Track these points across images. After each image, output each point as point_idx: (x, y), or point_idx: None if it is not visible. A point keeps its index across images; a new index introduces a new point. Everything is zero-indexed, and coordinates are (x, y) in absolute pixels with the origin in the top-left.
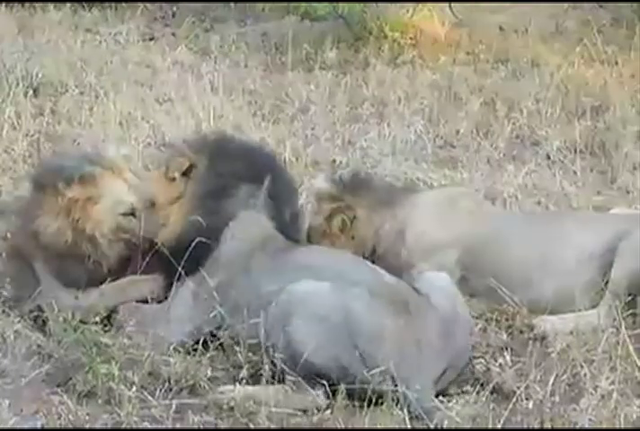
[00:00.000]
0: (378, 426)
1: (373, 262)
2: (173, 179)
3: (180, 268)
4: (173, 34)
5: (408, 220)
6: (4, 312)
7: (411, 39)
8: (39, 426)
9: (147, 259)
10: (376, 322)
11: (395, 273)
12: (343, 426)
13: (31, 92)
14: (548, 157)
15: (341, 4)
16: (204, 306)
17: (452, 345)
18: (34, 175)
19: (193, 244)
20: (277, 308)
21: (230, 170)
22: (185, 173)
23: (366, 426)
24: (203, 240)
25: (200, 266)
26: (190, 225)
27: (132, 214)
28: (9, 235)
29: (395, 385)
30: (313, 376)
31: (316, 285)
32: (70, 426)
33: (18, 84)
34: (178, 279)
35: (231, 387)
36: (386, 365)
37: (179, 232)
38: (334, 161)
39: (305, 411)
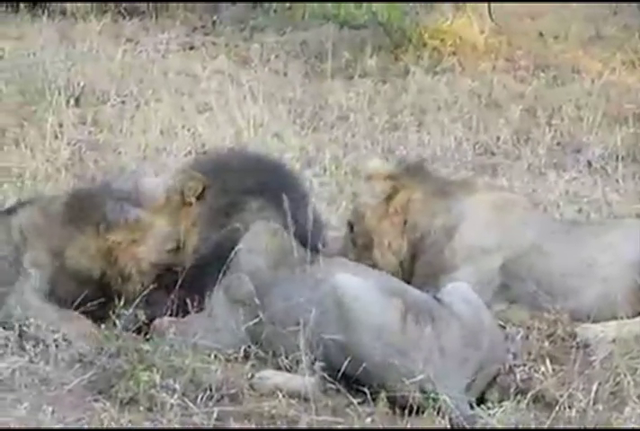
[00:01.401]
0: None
1: (414, 256)
2: (190, 203)
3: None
4: (214, 43)
5: (460, 219)
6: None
7: (450, 46)
8: None
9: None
10: (404, 331)
11: (434, 270)
12: None
13: (72, 101)
14: (590, 164)
15: (380, 12)
16: (240, 316)
17: (479, 354)
18: (72, 206)
19: (211, 261)
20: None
21: (237, 186)
22: (199, 197)
23: None
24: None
25: (221, 281)
26: (204, 243)
27: (178, 248)
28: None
29: (431, 394)
30: (353, 383)
31: (360, 296)
32: None
33: (60, 94)
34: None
35: (271, 372)
36: (418, 375)
37: (196, 251)
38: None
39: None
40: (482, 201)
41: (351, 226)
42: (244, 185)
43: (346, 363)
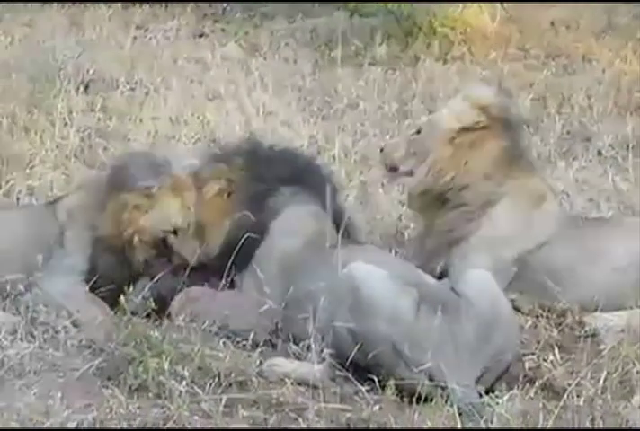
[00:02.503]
0: (428, 423)
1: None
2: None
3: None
4: (223, 30)
5: (501, 198)
6: (54, 304)
7: (461, 34)
8: (90, 419)
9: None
10: (417, 320)
11: (451, 239)
12: (393, 422)
13: (82, 88)
14: (600, 153)
15: None
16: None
17: (490, 346)
18: (109, 174)
19: (242, 240)
20: (326, 302)
21: (269, 174)
22: (229, 193)
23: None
24: (252, 235)
25: (252, 261)
26: (235, 224)
27: (174, 232)
28: None
29: (440, 383)
30: (362, 371)
31: (373, 284)
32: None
33: (69, 80)
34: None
35: (281, 359)
36: (427, 363)
37: (225, 234)
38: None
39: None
40: (524, 188)
41: (418, 130)
42: (276, 173)
43: (355, 350)
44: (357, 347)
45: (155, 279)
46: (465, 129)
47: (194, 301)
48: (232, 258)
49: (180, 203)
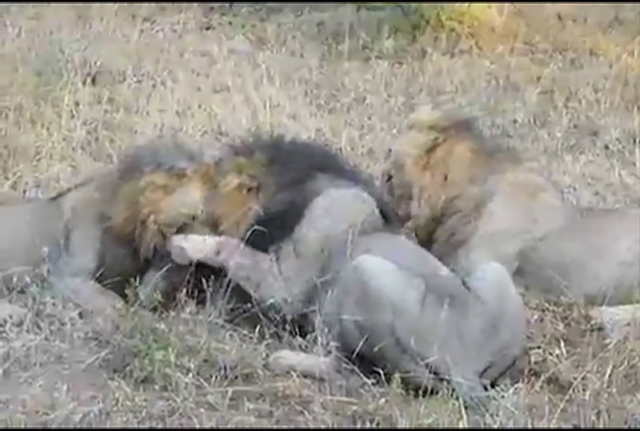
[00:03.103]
0: (433, 416)
1: (445, 214)
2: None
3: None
4: (230, 23)
5: (492, 195)
6: (61, 296)
7: (468, 28)
8: (96, 411)
9: None
10: (421, 313)
11: (455, 240)
12: (398, 415)
13: (89, 80)
14: (607, 147)
15: None
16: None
17: (496, 341)
18: (126, 161)
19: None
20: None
21: (300, 164)
22: (249, 188)
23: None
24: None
25: (291, 238)
26: (275, 201)
27: (192, 218)
28: None
29: (445, 376)
30: (368, 364)
31: (379, 276)
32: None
33: (76, 73)
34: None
35: (287, 352)
36: (431, 357)
37: (244, 228)
38: (390, 150)
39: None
40: (515, 181)
41: (388, 176)
42: (309, 163)
43: (362, 343)
44: (363, 340)
45: (163, 270)
46: (428, 151)
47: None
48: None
49: (206, 191)
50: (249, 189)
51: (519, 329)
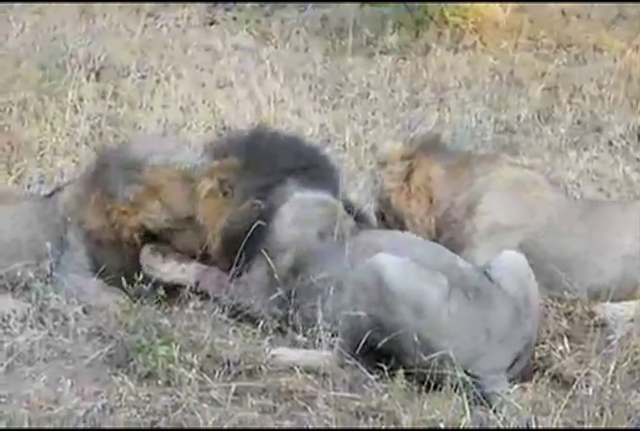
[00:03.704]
0: (437, 412)
1: (440, 230)
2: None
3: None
4: (234, 18)
5: (480, 196)
6: (65, 293)
7: (472, 23)
8: (99, 406)
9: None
10: (445, 309)
11: (454, 246)
12: (402, 410)
13: (92, 75)
14: (610, 143)
15: None
16: (274, 285)
17: (522, 333)
18: (91, 172)
19: (252, 228)
20: (340, 289)
21: (272, 167)
22: (225, 193)
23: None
24: (261, 223)
25: (263, 248)
26: (237, 217)
27: (167, 228)
28: None
29: (454, 370)
30: (371, 359)
31: (400, 277)
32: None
33: (80, 68)
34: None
35: (286, 349)
36: (445, 351)
37: (223, 230)
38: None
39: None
40: (503, 178)
41: (382, 215)
42: (281, 165)
43: (381, 342)
44: (384, 340)
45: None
46: (406, 180)
47: (209, 283)
48: (241, 247)
49: (160, 202)
50: (224, 193)
51: (537, 318)
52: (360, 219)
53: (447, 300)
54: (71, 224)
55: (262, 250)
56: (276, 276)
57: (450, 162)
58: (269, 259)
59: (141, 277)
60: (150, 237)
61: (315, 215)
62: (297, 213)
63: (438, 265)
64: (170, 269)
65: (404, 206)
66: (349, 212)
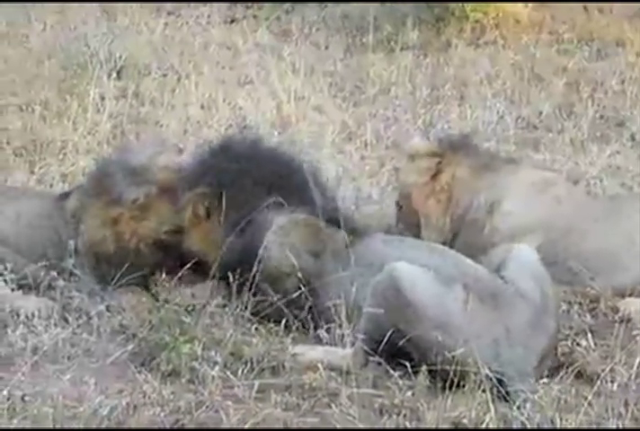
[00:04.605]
0: (460, 409)
1: (458, 229)
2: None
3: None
4: (255, 16)
5: (501, 197)
6: (89, 293)
7: (493, 19)
8: (123, 404)
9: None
10: (465, 317)
11: (474, 247)
12: (425, 408)
13: (114, 74)
14: (633, 138)
15: None
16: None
17: (544, 334)
18: (93, 178)
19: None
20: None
21: (247, 188)
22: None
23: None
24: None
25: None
26: (228, 247)
27: (178, 231)
28: None
29: (477, 368)
30: (394, 356)
31: (420, 288)
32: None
33: (102, 67)
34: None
35: (306, 347)
36: (466, 349)
37: (220, 254)
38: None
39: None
40: (524, 178)
41: (400, 206)
42: (257, 183)
43: (387, 335)
44: (404, 340)
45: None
46: (433, 177)
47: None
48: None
49: (170, 205)
50: (208, 216)
51: (557, 313)
52: (351, 227)
53: (465, 308)
54: (78, 231)
55: (260, 282)
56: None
57: (476, 163)
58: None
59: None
60: (159, 246)
61: (301, 237)
62: (283, 239)
63: (454, 272)
64: (181, 296)
65: (421, 204)
66: (336, 223)
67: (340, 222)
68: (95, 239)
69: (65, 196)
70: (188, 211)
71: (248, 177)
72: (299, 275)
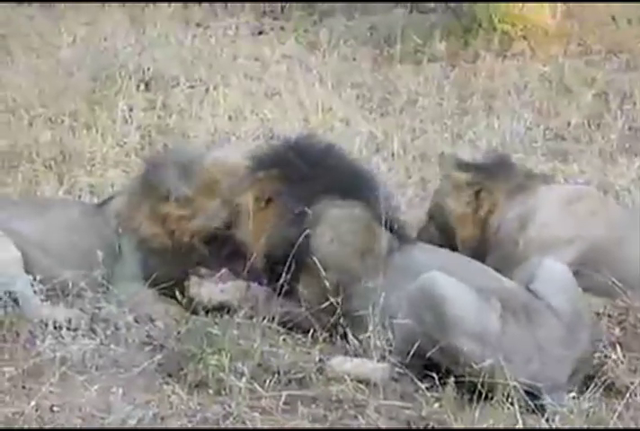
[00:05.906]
0: (489, 421)
1: (488, 247)
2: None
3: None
4: (282, 28)
5: (536, 209)
6: (117, 302)
7: (521, 30)
8: (151, 415)
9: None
10: (501, 333)
11: (508, 262)
12: (453, 419)
13: (142, 85)
14: None
15: None
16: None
17: (576, 348)
18: (142, 176)
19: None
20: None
21: (309, 184)
22: (267, 203)
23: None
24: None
25: (302, 270)
26: (280, 238)
27: (227, 227)
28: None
29: (505, 379)
30: (421, 368)
31: (458, 301)
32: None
33: (130, 78)
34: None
35: (341, 358)
36: (496, 361)
37: (271, 244)
38: (442, 154)
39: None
40: (556, 192)
41: (430, 216)
42: (319, 182)
43: (415, 346)
44: (433, 349)
45: (217, 276)
46: (473, 208)
47: (254, 298)
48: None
49: (219, 200)
50: (267, 203)
51: (590, 334)
52: (399, 233)
53: (500, 320)
54: (123, 233)
55: (310, 262)
56: (327, 283)
57: (513, 185)
58: (320, 267)
59: None
60: (211, 239)
61: (353, 233)
62: (335, 231)
63: (486, 282)
64: (208, 293)
65: (459, 226)
66: (390, 226)
67: (393, 225)
68: (147, 235)
69: (106, 201)
70: (249, 194)
71: (316, 176)
72: (338, 273)
